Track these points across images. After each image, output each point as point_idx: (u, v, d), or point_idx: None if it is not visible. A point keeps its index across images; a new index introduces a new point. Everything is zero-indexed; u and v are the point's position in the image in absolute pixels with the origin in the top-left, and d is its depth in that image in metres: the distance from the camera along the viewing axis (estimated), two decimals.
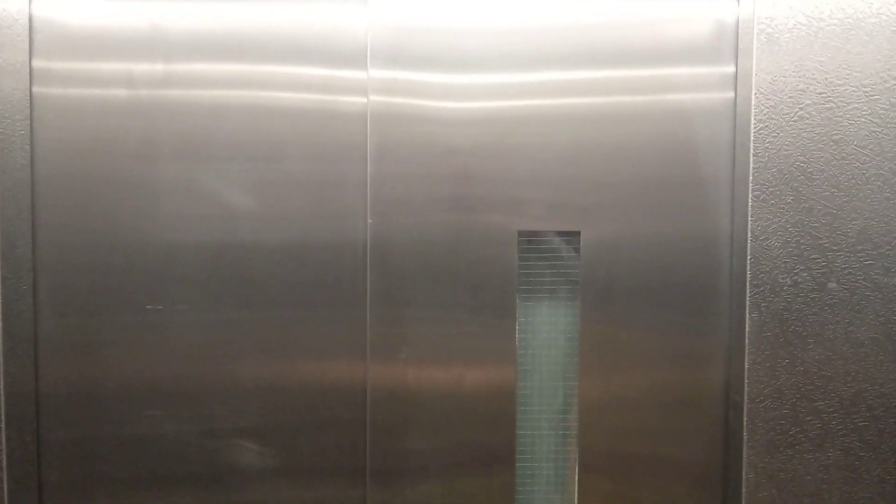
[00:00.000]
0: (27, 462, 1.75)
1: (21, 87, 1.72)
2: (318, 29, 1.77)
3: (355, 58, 1.77)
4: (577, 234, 1.79)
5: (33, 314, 1.74)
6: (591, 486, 1.83)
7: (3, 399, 1.69)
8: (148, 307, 1.77)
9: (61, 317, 1.76)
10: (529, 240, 1.81)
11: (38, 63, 1.75)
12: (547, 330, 1.84)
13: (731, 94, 1.76)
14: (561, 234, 1.81)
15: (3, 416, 1.69)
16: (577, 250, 1.80)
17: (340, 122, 1.78)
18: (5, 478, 1.70)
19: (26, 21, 1.73)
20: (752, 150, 1.70)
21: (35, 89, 1.74)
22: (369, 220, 1.78)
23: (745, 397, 1.72)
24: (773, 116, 1.69)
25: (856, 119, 1.69)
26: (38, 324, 1.75)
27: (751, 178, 1.70)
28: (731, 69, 1.76)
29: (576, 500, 1.83)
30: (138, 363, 1.78)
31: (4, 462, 1.70)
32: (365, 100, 1.77)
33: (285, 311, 1.79)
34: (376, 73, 1.77)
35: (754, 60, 1.69)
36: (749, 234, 1.70)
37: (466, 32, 1.77)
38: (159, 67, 1.76)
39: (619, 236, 1.79)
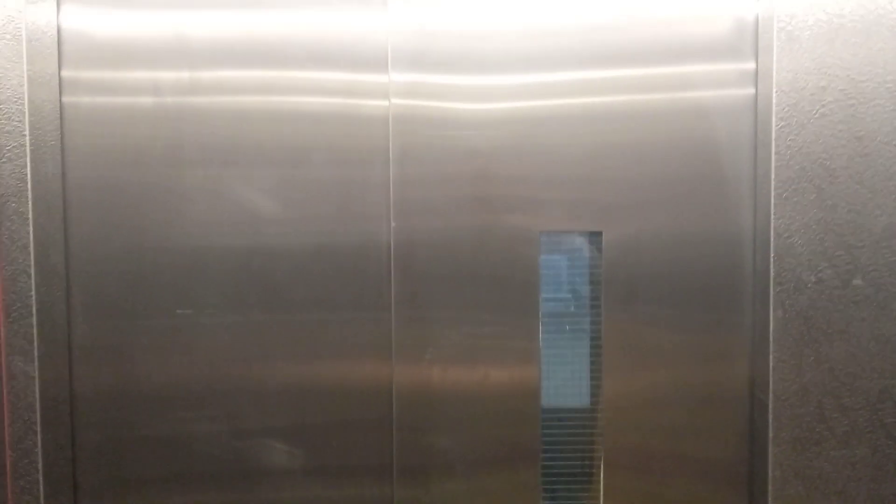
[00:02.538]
0: (62, 464, 1.79)
1: (51, 97, 1.76)
2: (339, 34, 1.79)
3: (376, 62, 1.79)
4: (599, 233, 1.80)
5: (67, 320, 1.78)
6: (616, 484, 1.84)
7: (38, 403, 1.73)
8: (178, 311, 1.80)
9: (94, 322, 1.80)
10: (552, 240, 1.82)
11: (66, 73, 1.79)
12: (570, 329, 1.85)
13: (751, 92, 1.76)
14: (583, 233, 1.82)
15: (38, 420, 1.73)
16: (599, 250, 1.81)
17: (363, 125, 1.80)
18: (41, 480, 1.74)
19: (55, 33, 1.77)
20: (773, 148, 1.69)
21: (65, 99, 1.78)
22: (392, 223, 1.80)
23: (771, 395, 1.72)
24: (795, 114, 1.69)
25: (879, 115, 1.68)
26: (71, 329, 1.79)
27: (773, 175, 1.69)
28: (751, 66, 1.76)
29: (601, 498, 1.84)
30: (168, 366, 1.82)
31: (41, 464, 1.73)
32: (387, 103, 1.79)
33: (311, 314, 1.82)
34: (397, 77, 1.79)
35: (774, 58, 1.69)
36: (772, 232, 1.70)
37: (486, 34, 1.79)
38: (184, 75, 1.79)
39: (641, 235, 1.79)
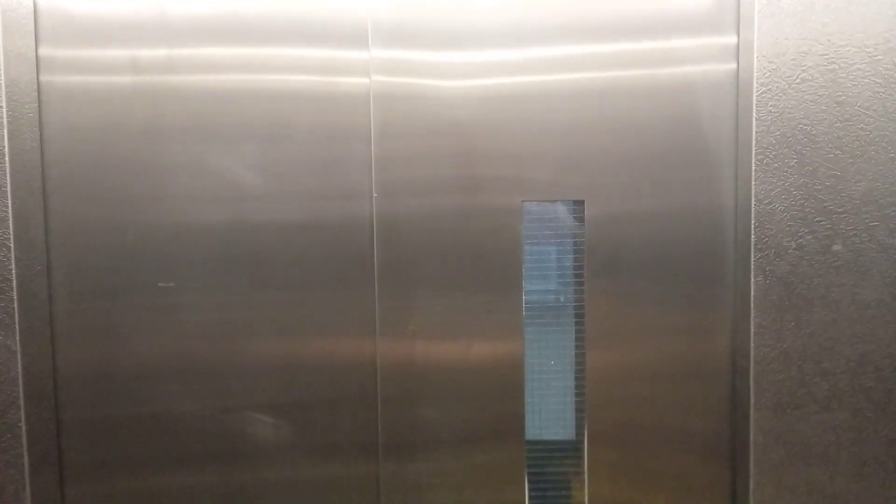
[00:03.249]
0: (47, 438, 1.79)
1: (28, 73, 1.74)
2: (319, 9, 1.77)
3: (357, 38, 1.78)
4: (582, 202, 1.80)
5: (48, 293, 1.77)
6: (600, 455, 1.85)
7: (21, 378, 1.72)
8: (160, 284, 1.80)
9: (75, 295, 1.79)
10: (534, 211, 1.82)
11: (44, 51, 1.77)
12: (554, 300, 1.85)
13: (733, 58, 1.76)
14: (565, 202, 1.82)
15: (21, 395, 1.73)
16: (581, 220, 1.81)
17: (343, 102, 1.78)
18: (26, 454, 1.74)
19: (31, 9, 1.75)
20: (754, 114, 1.69)
21: (42, 77, 1.76)
22: (375, 196, 1.79)
23: (752, 361, 1.73)
24: (776, 79, 1.69)
25: (859, 80, 1.69)
26: (52, 303, 1.78)
27: (754, 141, 1.70)
28: (732, 32, 1.76)
29: (585, 470, 1.86)
30: (150, 340, 1.81)
31: (25, 439, 1.73)
32: (367, 80, 1.78)
33: (295, 290, 1.81)
34: (378, 53, 1.78)
35: (756, 24, 1.69)
36: (753, 199, 1.71)
37: (466, 9, 1.77)
38: (163, 52, 1.77)
39: (623, 205, 1.80)
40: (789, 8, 1.68)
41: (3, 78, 1.69)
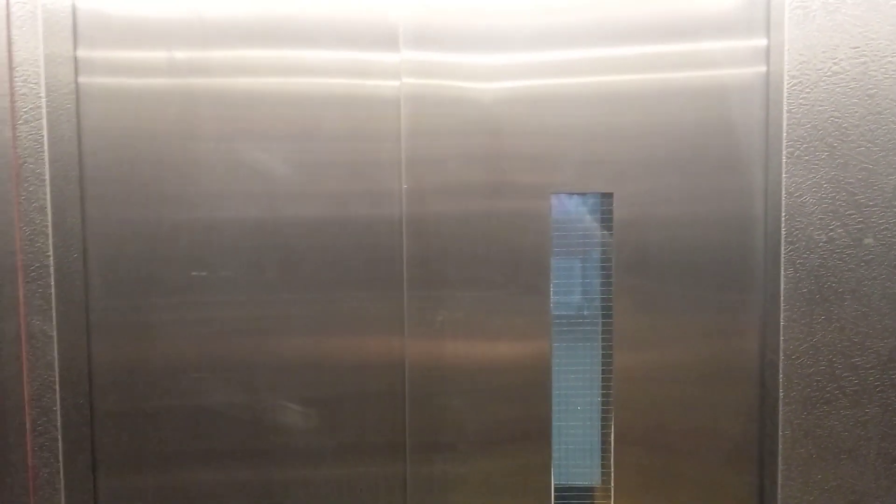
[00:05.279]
0: (81, 422, 1.82)
1: (67, 75, 1.78)
2: (350, 12, 1.79)
3: (387, 40, 1.80)
4: (610, 195, 1.81)
5: (84, 281, 1.81)
6: (628, 446, 1.85)
7: (57, 363, 1.76)
8: (193, 273, 1.83)
9: (110, 283, 1.83)
10: (563, 220, 1.83)
11: (82, 53, 1.80)
12: (582, 294, 1.86)
13: (763, 50, 1.76)
14: (595, 194, 1.83)
15: (57, 379, 1.76)
16: (609, 214, 1.82)
17: (374, 104, 1.80)
18: (60, 437, 1.77)
19: (70, 12, 1.79)
20: (785, 106, 1.69)
21: (80, 78, 1.80)
22: (404, 195, 1.81)
23: (781, 354, 1.73)
24: (806, 72, 1.68)
25: (891, 73, 1.68)
26: (88, 290, 1.82)
27: (784, 134, 1.69)
28: (762, 31, 1.76)
29: (612, 466, 1.86)
30: (182, 331, 1.84)
31: (59, 422, 1.77)
32: (398, 82, 1.80)
33: (325, 288, 1.83)
34: (409, 55, 1.79)
35: (786, 15, 1.68)
36: (783, 191, 1.70)
37: (496, 11, 1.78)
38: (196, 54, 1.80)
39: (653, 197, 1.80)
40: (819, 2, 1.67)
41: (42, 78, 1.73)
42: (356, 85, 1.80)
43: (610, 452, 1.86)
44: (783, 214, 1.71)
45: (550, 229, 1.82)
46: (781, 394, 1.74)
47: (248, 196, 1.82)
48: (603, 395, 1.87)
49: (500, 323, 1.83)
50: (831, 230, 1.71)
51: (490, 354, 1.84)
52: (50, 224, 1.74)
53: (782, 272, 1.71)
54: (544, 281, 1.82)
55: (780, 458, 1.75)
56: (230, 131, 1.81)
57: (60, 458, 1.78)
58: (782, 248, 1.71)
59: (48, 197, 1.74)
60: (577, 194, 1.83)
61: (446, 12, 1.79)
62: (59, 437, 1.77)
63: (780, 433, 1.74)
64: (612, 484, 1.86)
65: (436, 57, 1.79)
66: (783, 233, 1.71)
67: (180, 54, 1.80)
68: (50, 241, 1.74)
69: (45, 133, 1.73)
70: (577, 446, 1.89)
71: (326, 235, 1.82)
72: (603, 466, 1.88)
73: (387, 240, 1.82)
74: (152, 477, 1.87)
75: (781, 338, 1.73)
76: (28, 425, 1.75)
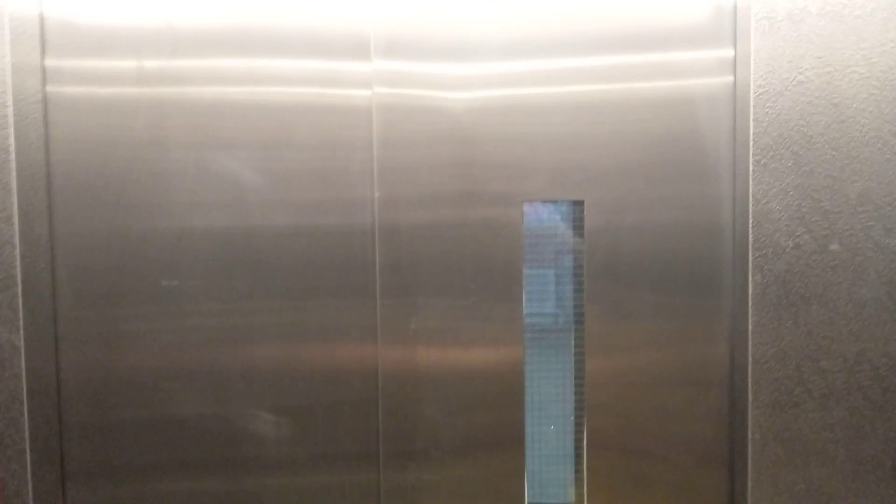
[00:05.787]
0: (49, 434, 1.80)
1: (34, 84, 1.76)
2: (323, 22, 1.79)
3: (359, 50, 1.80)
4: (581, 203, 1.82)
5: (52, 290, 1.79)
6: (600, 451, 1.87)
7: (24, 373, 1.73)
8: (163, 283, 1.81)
9: (79, 293, 1.81)
10: (535, 228, 1.84)
11: (50, 62, 1.78)
12: (554, 301, 1.87)
13: (730, 61, 1.79)
14: (566, 202, 1.84)
15: (25, 390, 1.73)
16: (580, 221, 1.83)
17: (346, 113, 1.80)
18: (28, 449, 1.74)
19: (38, 21, 1.77)
20: (752, 115, 1.72)
21: (49, 87, 1.78)
22: (376, 204, 1.81)
23: (750, 358, 1.75)
24: (773, 81, 1.71)
25: (855, 82, 1.71)
26: (56, 300, 1.80)
27: (751, 142, 1.72)
28: (729, 42, 1.78)
29: (585, 470, 1.87)
30: (152, 340, 1.82)
31: (27, 434, 1.74)
32: (370, 92, 1.80)
33: (297, 297, 1.82)
34: (380, 65, 1.80)
35: (753, 26, 1.71)
36: (751, 198, 1.73)
37: (468, 22, 1.79)
38: (166, 63, 1.79)
39: (621, 205, 1.82)
40: (785, 13, 1.70)
41: (10, 87, 1.71)
42: (328, 94, 1.80)
43: (583, 457, 1.87)
44: (751, 221, 1.73)
45: (523, 237, 1.83)
46: (751, 397, 1.76)
47: (220, 205, 1.81)
48: (576, 401, 1.88)
49: (473, 330, 1.84)
50: (798, 236, 1.73)
51: (463, 361, 1.84)
52: (17, 234, 1.72)
53: (750, 278, 1.74)
54: (517, 288, 1.83)
55: (749, 461, 1.77)
56: (201, 140, 1.80)
57: (29, 469, 1.75)
58: (750, 254, 1.74)
59: (15, 206, 1.71)
60: (549, 202, 1.85)
61: (418, 22, 1.80)
62: (27, 448, 1.75)
63: (750, 436, 1.77)
64: (585, 488, 1.87)
65: (407, 66, 1.80)
66: (751, 239, 1.74)
67: (150, 63, 1.79)
68: (17, 251, 1.72)
69: (11, 142, 1.71)
70: (550, 451, 1.90)
71: (299, 244, 1.81)
72: (576, 471, 1.89)
73: (359, 248, 1.82)
74: (122, 488, 1.85)
75: (750, 342, 1.75)
76: None
